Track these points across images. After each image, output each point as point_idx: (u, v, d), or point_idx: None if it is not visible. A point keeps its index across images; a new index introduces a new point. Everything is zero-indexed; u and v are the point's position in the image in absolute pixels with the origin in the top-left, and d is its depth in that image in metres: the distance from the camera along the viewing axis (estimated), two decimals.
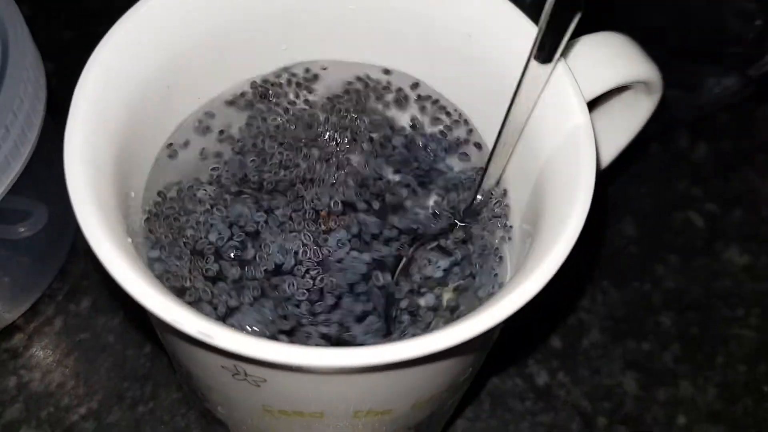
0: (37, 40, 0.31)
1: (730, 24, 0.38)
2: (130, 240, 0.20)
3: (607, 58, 0.23)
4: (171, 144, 0.25)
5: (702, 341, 0.37)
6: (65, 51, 0.42)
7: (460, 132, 0.26)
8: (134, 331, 0.35)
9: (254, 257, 0.24)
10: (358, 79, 0.27)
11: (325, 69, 0.27)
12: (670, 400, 0.35)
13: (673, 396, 0.36)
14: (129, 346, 0.35)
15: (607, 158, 0.28)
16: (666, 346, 0.37)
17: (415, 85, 0.27)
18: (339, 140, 0.26)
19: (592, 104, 0.26)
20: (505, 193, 0.25)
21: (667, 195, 0.41)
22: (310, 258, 0.24)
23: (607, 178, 0.39)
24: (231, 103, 0.26)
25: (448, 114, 0.27)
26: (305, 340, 0.22)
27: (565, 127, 0.21)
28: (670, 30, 0.39)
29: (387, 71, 0.27)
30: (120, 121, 0.22)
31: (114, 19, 0.22)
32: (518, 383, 0.35)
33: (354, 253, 0.24)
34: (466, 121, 0.27)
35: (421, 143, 0.26)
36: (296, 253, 0.24)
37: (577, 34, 0.24)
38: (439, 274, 0.24)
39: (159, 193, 0.24)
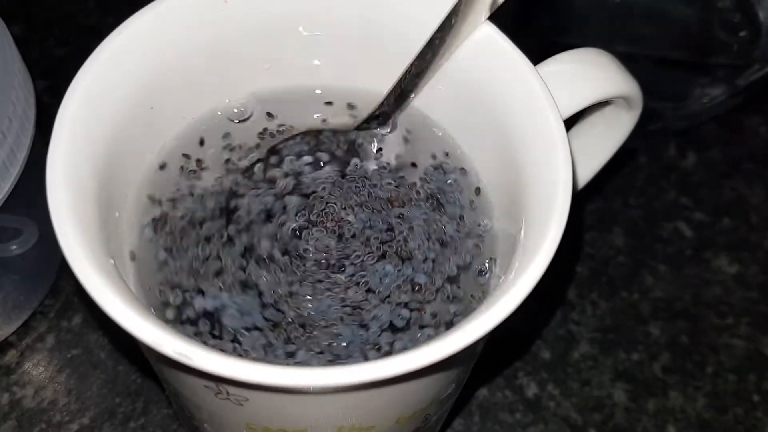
0: (31, 57, 0.31)
1: (716, 35, 0.38)
2: (112, 261, 0.20)
3: (585, 75, 0.24)
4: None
5: (691, 351, 0.37)
6: (58, 68, 0.42)
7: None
8: (125, 348, 0.35)
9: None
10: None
11: None
12: (659, 410, 0.35)
13: (663, 406, 0.36)
14: (120, 362, 0.35)
15: (589, 172, 0.28)
16: (655, 356, 0.37)
17: None
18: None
19: (573, 119, 0.26)
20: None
21: (656, 205, 0.41)
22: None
23: (594, 190, 0.40)
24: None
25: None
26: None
27: (541, 144, 0.22)
28: (657, 41, 0.39)
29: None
30: (103, 142, 0.22)
31: (107, 35, 0.22)
32: (508, 395, 0.35)
33: None
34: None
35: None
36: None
37: (557, 51, 0.25)
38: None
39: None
